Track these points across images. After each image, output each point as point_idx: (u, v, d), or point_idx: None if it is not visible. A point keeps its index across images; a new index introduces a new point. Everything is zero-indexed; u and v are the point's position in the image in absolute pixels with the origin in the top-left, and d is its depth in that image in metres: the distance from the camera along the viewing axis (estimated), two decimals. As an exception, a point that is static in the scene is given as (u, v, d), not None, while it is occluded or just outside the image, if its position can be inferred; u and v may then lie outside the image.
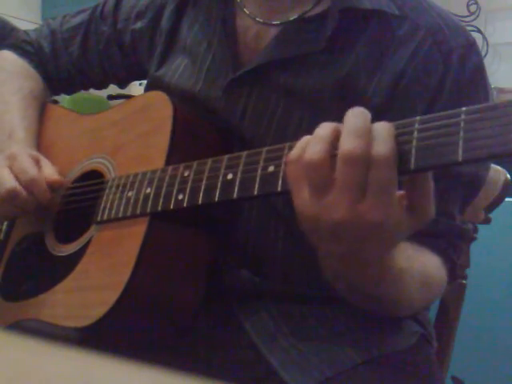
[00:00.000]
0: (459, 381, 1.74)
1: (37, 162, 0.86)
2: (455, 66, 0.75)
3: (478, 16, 2.62)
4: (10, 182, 0.82)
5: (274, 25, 0.81)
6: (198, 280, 0.75)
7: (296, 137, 0.77)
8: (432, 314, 0.98)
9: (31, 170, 0.83)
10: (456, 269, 0.80)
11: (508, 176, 1.00)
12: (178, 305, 0.75)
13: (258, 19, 0.83)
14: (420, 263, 0.72)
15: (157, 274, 0.72)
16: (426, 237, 0.72)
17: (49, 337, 0.77)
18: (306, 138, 0.57)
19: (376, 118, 0.70)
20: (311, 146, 0.55)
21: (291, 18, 0.80)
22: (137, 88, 2.52)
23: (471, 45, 0.77)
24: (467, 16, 2.59)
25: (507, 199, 1.02)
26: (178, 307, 0.75)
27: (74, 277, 0.77)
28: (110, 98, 2.37)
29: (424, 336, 0.85)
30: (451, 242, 0.78)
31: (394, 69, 0.75)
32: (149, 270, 0.71)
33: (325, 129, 0.55)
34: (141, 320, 0.74)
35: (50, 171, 0.86)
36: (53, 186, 0.84)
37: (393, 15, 0.76)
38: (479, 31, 2.57)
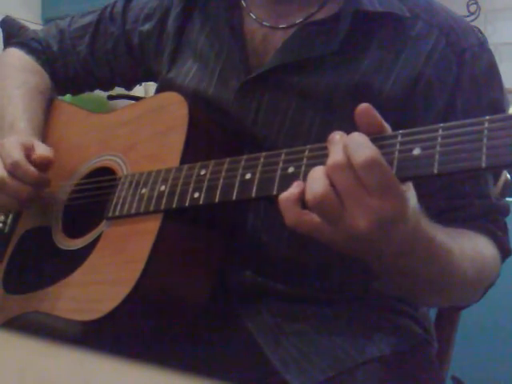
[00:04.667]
0: (459, 381, 1.74)
1: (29, 148, 0.85)
2: (469, 65, 0.77)
3: (478, 16, 2.61)
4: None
5: (281, 28, 0.82)
6: (207, 279, 0.76)
7: (308, 137, 0.77)
8: (432, 314, 0.98)
9: (14, 154, 0.82)
10: (506, 242, 0.79)
11: (508, 176, 1.00)
12: (185, 302, 0.76)
13: (264, 23, 0.84)
14: (467, 238, 0.72)
15: (167, 272, 0.73)
16: (465, 222, 0.73)
17: (52, 330, 0.78)
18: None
19: (396, 116, 0.71)
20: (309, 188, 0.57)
21: (297, 21, 0.82)
22: (137, 88, 2.52)
23: (482, 43, 0.80)
24: (467, 16, 2.59)
25: (507, 199, 1.02)
26: (185, 305, 0.76)
27: (82, 271, 0.77)
28: (110, 98, 2.37)
29: (424, 337, 0.85)
30: (492, 219, 0.78)
31: (412, 68, 0.76)
32: (160, 267, 0.71)
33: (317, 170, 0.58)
34: (147, 316, 0.74)
35: (41, 150, 0.85)
36: (42, 162, 0.83)
37: (404, 17, 0.78)
38: (479, 31, 2.57)
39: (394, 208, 0.55)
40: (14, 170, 0.81)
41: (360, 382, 0.73)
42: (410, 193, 0.58)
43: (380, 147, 0.55)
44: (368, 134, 0.57)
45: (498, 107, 0.78)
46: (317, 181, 0.56)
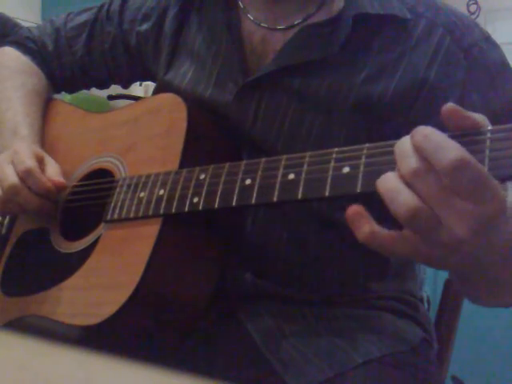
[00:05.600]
0: (459, 381, 1.74)
1: (40, 160, 0.86)
2: (479, 59, 0.76)
3: (478, 16, 2.61)
4: (12, 178, 0.82)
5: (279, 29, 0.82)
6: (207, 282, 0.75)
7: (307, 140, 0.76)
8: (432, 314, 0.98)
9: (28, 162, 0.82)
10: None
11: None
12: (185, 306, 0.75)
13: (262, 24, 0.83)
14: None
15: (167, 276, 0.72)
16: None
17: (51, 334, 0.77)
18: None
19: (398, 121, 0.68)
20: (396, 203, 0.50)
21: (296, 22, 0.81)
22: (137, 88, 2.52)
23: (487, 38, 0.78)
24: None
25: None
26: (185, 308, 0.75)
27: (81, 274, 0.77)
28: (110, 98, 2.37)
29: (424, 337, 0.85)
30: None
31: (415, 72, 0.75)
32: (160, 270, 0.71)
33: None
34: (147, 320, 0.73)
35: (53, 170, 0.85)
36: (56, 187, 0.84)
37: (405, 19, 0.77)
38: (480, 30, 2.57)
39: (494, 209, 0.49)
40: (26, 177, 0.82)
41: (360, 383, 0.73)
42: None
43: (466, 144, 0.49)
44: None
45: None
46: (402, 191, 0.49)
